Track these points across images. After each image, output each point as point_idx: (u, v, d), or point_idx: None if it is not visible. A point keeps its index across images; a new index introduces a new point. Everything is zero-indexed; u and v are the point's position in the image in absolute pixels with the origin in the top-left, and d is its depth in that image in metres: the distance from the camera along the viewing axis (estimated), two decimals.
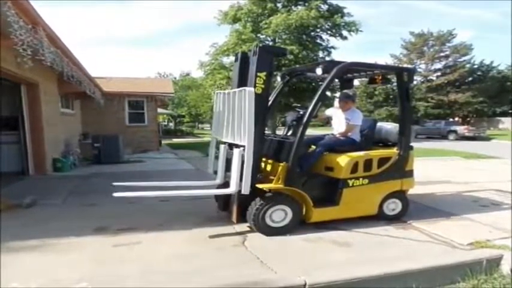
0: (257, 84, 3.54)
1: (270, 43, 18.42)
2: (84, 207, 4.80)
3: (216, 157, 4.19)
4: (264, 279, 2.59)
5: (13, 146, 7.41)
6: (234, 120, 3.68)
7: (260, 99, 3.58)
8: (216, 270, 2.80)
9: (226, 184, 3.82)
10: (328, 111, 4.92)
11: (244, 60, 3.88)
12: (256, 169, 3.58)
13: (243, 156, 3.51)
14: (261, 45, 3.79)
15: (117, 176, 7.60)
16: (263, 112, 3.63)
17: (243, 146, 3.50)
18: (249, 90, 3.44)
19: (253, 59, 3.62)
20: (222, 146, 4.04)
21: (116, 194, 3.51)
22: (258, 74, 3.55)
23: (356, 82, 5.49)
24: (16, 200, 4.75)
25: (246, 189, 3.51)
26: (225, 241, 3.48)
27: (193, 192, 3.79)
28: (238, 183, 3.54)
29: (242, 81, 3.84)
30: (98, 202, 4.91)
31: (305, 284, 2.50)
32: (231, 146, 3.80)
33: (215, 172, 4.21)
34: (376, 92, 34.62)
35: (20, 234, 3.57)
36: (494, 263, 3.04)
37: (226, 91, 3.97)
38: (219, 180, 4.09)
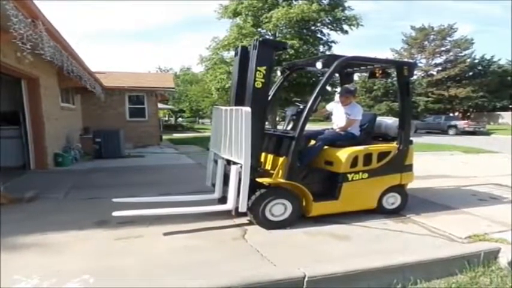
0: (257, 79, 3.54)
1: (271, 37, 18.32)
2: (86, 201, 4.82)
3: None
4: (264, 271, 2.62)
5: (14, 140, 7.42)
6: (232, 138, 3.67)
7: (260, 94, 3.58)
8: (217, 263, 2.83)
9: (224, 198, 3.84)
10: (329, 106, 4.91)
11: (244, 55, 3.86)
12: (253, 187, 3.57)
13: (240, 173, 3.51)
14: (261, 39, 3.77)
15: (118, 170, 7.65)
16: (261, 127, 3.65)
17: (240, 164, 3.51)
18: (246, 110, 3.41)
19: (253, 53, 3.61)
20: (219, 161, 4.04)
21: (115, 213, 3.55)
22: (258, 68, 3.54)
23: (355, 77, 5.46)
24: (18, 194, 4.77)
25: (243, 207, 3.54)
26: (225, 234, 3.51)
27: (193, 210, 3.85)
28: (236, 199, 3.57)
29: (242, 76, 3.83)
30: (99, 196, 4.94)
31: (304, 276, 2.53)
32: (229, 161, 3.80)
33: (213, 185, 4.24)
34: (376, 87, 34.51)
35: (21, 228, 3.59)
36: (491, 256, 3.07)
37: (224, 108, 3.94)
38: (217, 194, 4.13)
